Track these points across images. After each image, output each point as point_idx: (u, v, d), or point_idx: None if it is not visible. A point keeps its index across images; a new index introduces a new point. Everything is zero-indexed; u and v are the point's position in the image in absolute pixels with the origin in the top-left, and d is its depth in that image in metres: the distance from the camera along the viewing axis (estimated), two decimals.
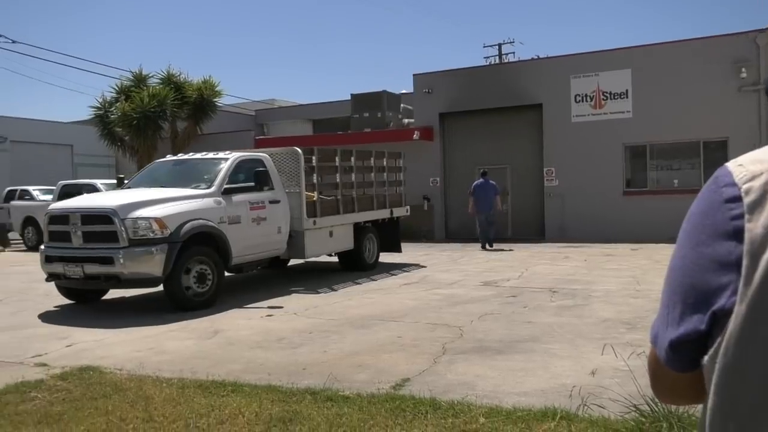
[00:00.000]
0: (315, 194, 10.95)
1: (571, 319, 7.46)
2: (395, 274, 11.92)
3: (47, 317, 8.52)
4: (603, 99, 18.73)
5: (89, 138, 25.58)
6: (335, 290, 10.15)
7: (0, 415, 4.55)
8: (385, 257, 13.71)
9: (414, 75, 21.66)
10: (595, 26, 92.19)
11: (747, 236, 0.76)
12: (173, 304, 8.57)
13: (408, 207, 14.44)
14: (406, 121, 22.53)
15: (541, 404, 4.36)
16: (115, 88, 23.07)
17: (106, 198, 9.37)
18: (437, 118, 21.01)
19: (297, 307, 8.68)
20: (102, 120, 22.42)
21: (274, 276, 12.03)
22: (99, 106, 22.72)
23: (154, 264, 8.22)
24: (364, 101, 22.36)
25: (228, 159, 10.06)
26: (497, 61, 37.55)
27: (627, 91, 18.36)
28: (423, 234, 20.59)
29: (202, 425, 4.21)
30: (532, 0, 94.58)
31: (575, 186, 18.87)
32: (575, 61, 19.15)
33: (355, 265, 12.34)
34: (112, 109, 22.43)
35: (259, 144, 23.19)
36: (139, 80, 22.87)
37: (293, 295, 9.77)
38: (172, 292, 8.55)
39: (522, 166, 20.17)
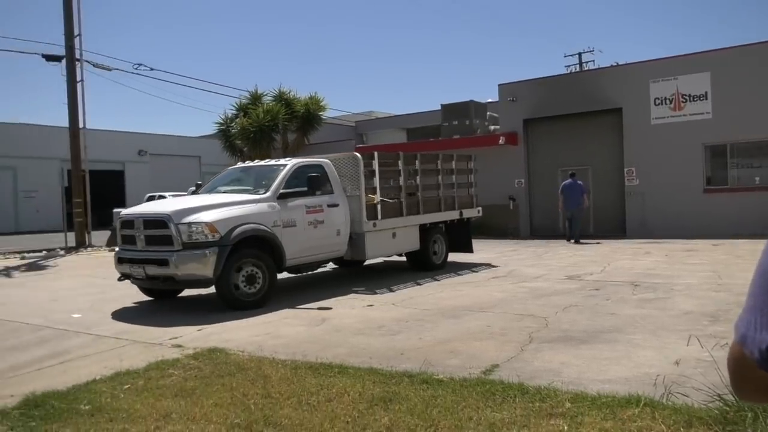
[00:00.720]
0: (377, 197, 10.45)
1: (654, 312, 7.12)
2: (475, 271, 11.39)
3: (178, 306, 8.97)
4: (682, 101, 17.81)
5: (214, 150, 26.73)
6: (419, 284, 10.06)
7: (145, 388, 4.83)
8: (462, 257, 13.10)
9: (499, 85, 21.35)
10: (673, 32, 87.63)
11: None
12: (224, 303, 8.24)
13: (479, 208, 13.28)
14: (492, 127, 22.27)
15: (625, 391, 4.19)
16: (234, 106, 23.99)
17: (166, 204, 9.18)
18: (521, 124, 20.67)
19: (394, 299, 8.73)
20: (224, 134, 23.37)
21: (355, 274, 12.13)
22: (222, 122, 23.70)
23: (205, 266, 7.92)
24: (453, 110, 22.27)
25: (286, 165, 9.62)
26: (578, 69, 36.40)
27: (706, 93, 17.37)
28: (509, 231, 20.30)
29: (312, 402, 4.31)
30: (611, 10, 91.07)
31: (656, 185, 18.08)
32: (654, 67, 18.30)
33: (422, 265, 11.61)
34: (233, 124, 23.33)
35: (357, 151, 23.51)
36: (255, 98, 23.68)
37: (379, 292, 9.83)
38: (222, 292, 8.21)
39: (603, 167, 19.52)
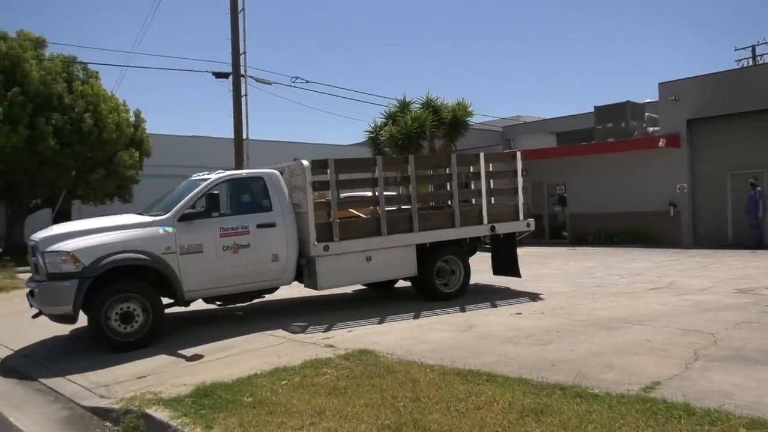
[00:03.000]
0: (329, 213, 8.71)
1: None
2: (497, 306, 8.74)
3: (328, 307, 9.34)
4: None
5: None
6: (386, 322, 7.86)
7: (301, 384, 5.09)
8: (504, 281, 10.75)
9: (659, 84, 20.07)
10: None
11: None
12: (97, 344, 7.05)
13: (530, 221, 10.36)
14: (650, 129, 20.97)
15: None
16: (384, 114, 24.63)
17: (51, 229, 7.75)
18: (684, 125, 19.25)
19: (543, 307, 8.47)
20: (374, 141, 24.05)
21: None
22: (371, 129, 24.44)
23: (61, 300, 6.78)
24: (607, 112, 21.31)
25: (206, 180, 8.10)
26: (750, 64, 33.17)
27: None
28: (668, 240, 18.96)
29: (461, 409, 4.29)
30: None
31: None
32: None
33: (426, 294, 9.47)
34: (382, 132, 23.97)
35: None
36: (403, 106, 24.15)
37: (541, 297, 9.54)
38: (92, 331, 7.06)
39: None
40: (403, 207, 9.58)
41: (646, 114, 21.46)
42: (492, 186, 10.31)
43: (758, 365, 5.19)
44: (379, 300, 9.87)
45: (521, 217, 10.27)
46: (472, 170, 10.07)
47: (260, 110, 77.42)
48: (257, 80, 21.07)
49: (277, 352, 6.36)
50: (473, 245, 10.30)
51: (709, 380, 4.81)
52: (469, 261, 10.00)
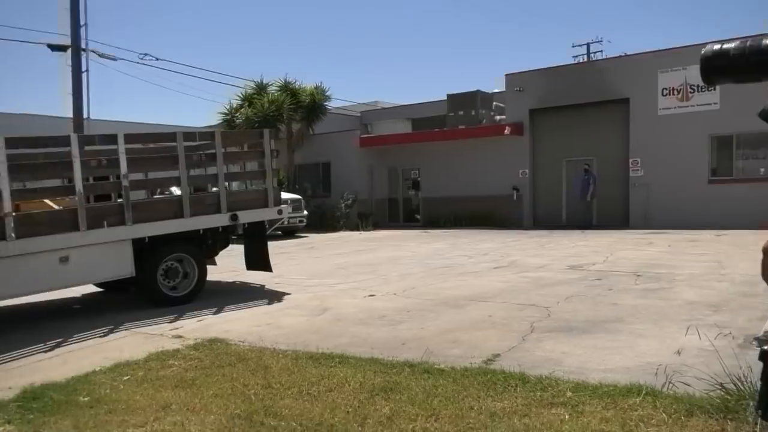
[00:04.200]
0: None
1: (656, 302, 7.07)
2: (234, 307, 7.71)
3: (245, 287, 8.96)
4: (690, 92, 17.73)
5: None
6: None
7: (144, 379, 4.83)
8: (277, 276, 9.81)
9: (506, 75, 21.29)
10: (683, 21, 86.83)
11: None
12: None
13: (283, 207, 9.22)
14: (498, 117, 22.19)
15: (627, 381, 4.15)
16: (240, 96, 23.95)
17: None
18: (527, 114, 20.59)
19: (396, 288, 8.70)
20: (229, 124, 23.34)
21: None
22: (226, 111, 23.68)
23: None
24: (459, 100, 22.20)
25: None
26: (585, 59, 36.16)
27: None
28: (512, 222, 20.28)
29: (313, 392, 4.29)
30: (619, 0, 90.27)
31: (660, 176, 18.05)
32: (663, 57, 18.17)
33: (151, 299, 8.09)
34: (238, 114, 23.31)
35: (363, 142, 23.50)
36: (260, 88, 23.64)
37: (393, 278, 9.80)
38: None
39: (607, 158, 19.46)
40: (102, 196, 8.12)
41: (494, 103, 22.67)
42: (236, 168, 9.27)
43: (584, 334, 5.69)
44: (235, 287, 9.63)
45: (271, 204, 9.01)
46: (206, 150, 8.87)
47: (112, 89, 72.16)
48: (100, 55, 19.58)
49: (119, 347, 5.99)
50: (224, 238, 9.01)
51: (542, 350, 5.21)
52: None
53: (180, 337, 6.25)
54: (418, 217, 23.20)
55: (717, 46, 0.97)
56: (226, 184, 8.68)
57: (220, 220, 8.52)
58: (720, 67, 0.98)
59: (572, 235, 16.12)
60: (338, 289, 8.90)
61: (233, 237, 9.36)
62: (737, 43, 0.96)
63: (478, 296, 7.86)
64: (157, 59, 23.92)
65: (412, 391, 4.18)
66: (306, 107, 23.08)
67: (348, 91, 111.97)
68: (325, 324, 6.63)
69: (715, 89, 17.10)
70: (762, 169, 16.94)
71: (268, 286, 9.40)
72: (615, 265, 10.22)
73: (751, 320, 5.85)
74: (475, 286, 8.72)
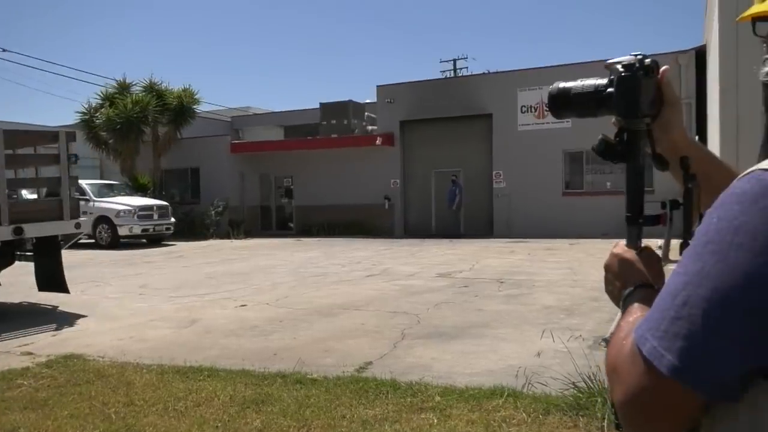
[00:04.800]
0: None
1: (517, 307, 7.52)
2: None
3: (31, 309, 8.25)
4: (546, 110, 18.93)
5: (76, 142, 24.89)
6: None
7: None
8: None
9: (378, 86, 21.67)
10: (542, 43, 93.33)
11: None
12: None
13: (81, 221, 8.21)
14: (369, 128, 22.53)
15: (491, 383, 4.37)
16: (100, 95, 22.52)
17: None
18: (398, 126, 21.09)
19: (269, 298, 8.57)
20: (88, 124, 21.86)
21: None
22: (85, 111, 22.16)
23: None
24: (331, 109, 22.28)
25: None
26: (452, 75, 37.73)
27: None
28: (384, 231, 20.66)
29: (179, 408, 4.11)
30: (484, 19, 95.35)
31: (520, 187, 19.16)
32: (521, 76, 19.37)
33: None
34: (98, 114, 21.90)
35: (234, 148, 22.95)
36: (123, 88, 22.38)
37: (266, 288, 9.64)
38: None
39: (473, 170, 20.37)
40: None
41: (366, 113, 23.02)
42: (26, 174, 8.05)
43: (452, 339, 5.92)
44: (91, 301, 9.01)
45: (67, 216, 7.89)
46: None
47: None
48: None
49: None
50: (8, 254, 7.83)
51: (413, 356, 5.35)
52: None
53: (30, 354, 5.74)
54: (292, 225, 23.00)
55: (562, 85, 1.08)
56: (23, 191, 7.46)
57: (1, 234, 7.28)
58: (564, 104, 1.08)
59: (441, 244, 16.72)
60: (208, 299, 8.61)
61: (22, 253, 8.20)
62: (575, 83, 1.08)
63: (351, 305, 7.93)
64: (4, 50, 21.96)
65: (284, 403, 4.13)
66: (173, 110, 22.14)
67: (218, 95, 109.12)
68: (194, 336, 6.39)
69: None
70: (608, 183, 18.55)
71: (128, 297, 8.89)
72: (481, 273, 10.73)
73: (599, 323, 6.38)
74: (348, 294, 8.79)
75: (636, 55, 0.99)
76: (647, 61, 0.98)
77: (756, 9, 0.86)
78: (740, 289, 0.67)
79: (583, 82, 1.08)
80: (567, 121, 18.50)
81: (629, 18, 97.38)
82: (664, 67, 1.01)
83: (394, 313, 7.30)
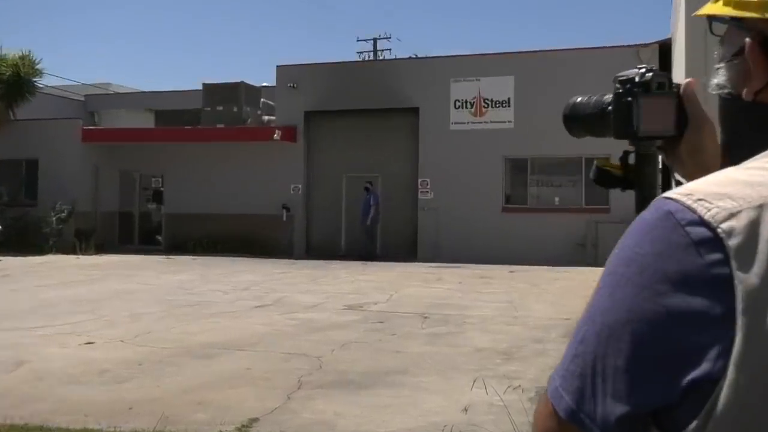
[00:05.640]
0: None
1: (444, 349, 7.59)
2: None
3: None
4: (484, 106, 19.45)
5: None
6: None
7: None
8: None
9: (278, 67, 21.56)
10: (481, 26, 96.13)
11: (740, 288, 0.69)
12: None
13: None
14: (266, 118, 22.36)
15: None
16: None
17: None
18: (302, 117, 21.00)
19: (124, 334, 8.28)
20: None
21: None
22: None
23: None
24: (218, 93, 21.97)
25: None
26: (372, 57, 38.11)
27: (509, 99, 19.15)
28: (280, 249, 20.46)
29: None
30: None
31: (451, 200, 19.39)
32: (456, 64, 19.78)
33: None
34: None
35: (86, 136, 22.14)
36: None
37: (122, 320, 9.30)
38: None
39: (394, 176, 20.52)
40: None
41: (262, 100, 22.83)
42: None
43: (362, 389, 5.90)
44: None
45: None
46: None
47: None
48: None
49: None
50: None
51: (311, 410, 5.29)
52: None
53: None
54: (160, 238, 22.41)
55: (577, 100, 1.12)
56: None
57: None
58: (576, 124, 1.12)
59: (352, 267, 16.74)
60: (41, 334, 8.24)
61: None
62: (586, 99, 1.12)
63: (234, 343, 7.79)
64: None
65: None
66: (6, 82, 21.22)
67: (69, 66, 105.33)
68: (20, 383, 6.09)
69: (509, 105, 19.03)
70: (557, 198, 19.14)
71: None
72: (400, 305, 10.80)
73: (543, 370, 6.53)
74: (230, 330, 8.64)
75: (640, 68, 1.04)
76: (649, 75, 1.02)
77: (707, 10, 0.94)
78: (623, 325, 0.75)
79: (593, 99, 1.13)
80: (509, 121, 19.10)
81: (586, 1, 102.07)
82: (687, 81, 1.06)
83: (289, 355, 7.21)
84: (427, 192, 19.91)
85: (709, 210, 0.74)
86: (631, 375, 0.74)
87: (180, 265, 17.03)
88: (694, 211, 0.74)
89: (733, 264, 0.70)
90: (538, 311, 10.15)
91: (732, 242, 0.71)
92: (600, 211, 17.22)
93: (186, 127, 22.60)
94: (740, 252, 0.70)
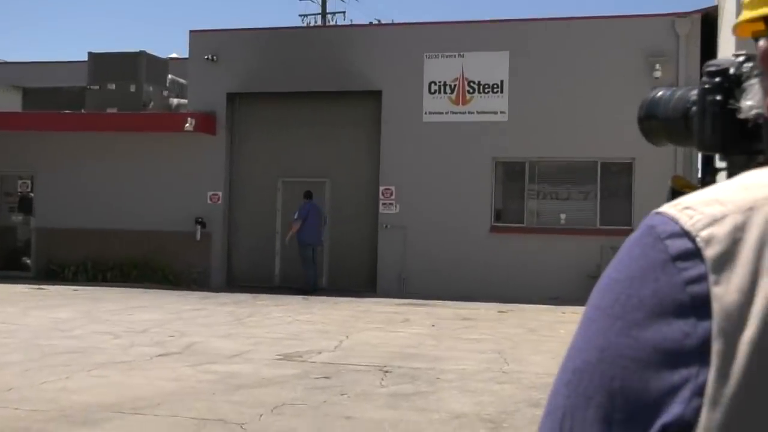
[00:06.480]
0: None
1: (410, 414, 7.61)
2: None
3: None
4: (469, 91, 19.35)
5: None
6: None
7: None
8: None
9: (191, 32, 21.42)
10: None
11: (716, 307, 0.71)
12: None
13: None
14: (175, 101, 22.20)
15: None
16: None
17: None
18: (224, 101, 20.83)
19: None
20: None
21: None
22: None
23: None
24: (109, 66, 21.76)
25: None
26: (319, 23, 38.06)
27: (502, 83, 19.17)
28: (193, 278, 20.28)
29: None
30: None
31: (423, 215, 19.32)
32: (432, 33, 19.74)
33: None
34: None
35: None
36: None
37: None
38: None
39: (348, 182, 20.48)
40: None
41: (170, 76, 22.62)
42: None
43: None
44: None
45: None
46: None
47: None
48: None
49: None
50: None
51: None
52: None
53: None
54: (29, 261, 22.16)
55: (659, 93, 1.10)
56: None
57: None
58: (654, 129, 1.10)
59: (290, 303, 16.68)
60: None
61: None
62: (668, 92, 1.10)
63: (128, 405, 7.75)
64: None
65: None
66: None
67: None
68: None
69: (502, 91, 19.01)
70: (563, 216, 19.07)
71: None
72: (352, 355, 10.80)
73: None
74: (122, 386, 8.60)
75: (737, 56, 1.02)
76: (748, 66, 0.99)
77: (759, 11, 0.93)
78: (594, 367, 0.80)
79: (677, 93, 1.10)
80: (502, 112, 19.12)
81: None
82: None
83: (202, 421, 7.20)
84: (391, 204, 19.83)
85: (691, 218, 0.77)
86: (597, 425, 0.77)
87: (56, 299, 16.84)
88: (677, 221, 0.78)
89: (711, 278, 0.72)
90: (535, 365, 10.18)
91: (710, 252, 0.73)
92: (619, 233, 16.81)
93: (65, 111, 22.35)
94: (718, 263, 0.73)
